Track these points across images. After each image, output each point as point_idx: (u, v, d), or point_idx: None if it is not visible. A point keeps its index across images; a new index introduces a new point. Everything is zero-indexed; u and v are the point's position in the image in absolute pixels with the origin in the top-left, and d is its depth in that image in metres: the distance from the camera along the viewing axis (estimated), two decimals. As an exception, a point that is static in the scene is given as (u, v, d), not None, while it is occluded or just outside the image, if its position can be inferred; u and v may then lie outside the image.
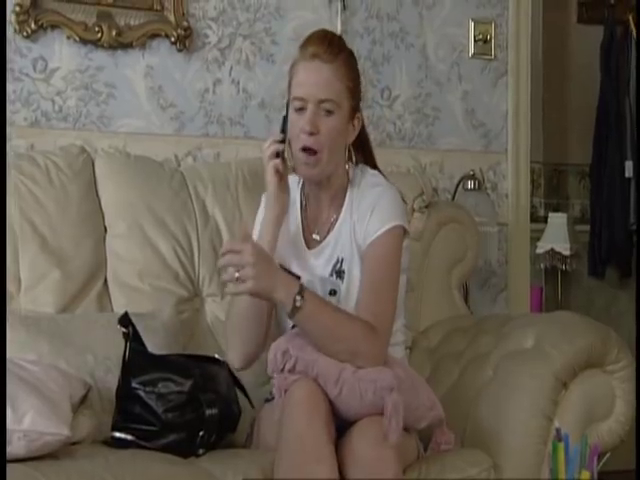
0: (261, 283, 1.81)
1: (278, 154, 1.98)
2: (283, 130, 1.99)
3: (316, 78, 1.95)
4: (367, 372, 1.82)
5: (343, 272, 2.02)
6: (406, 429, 1.87)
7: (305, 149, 1.95)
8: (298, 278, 1.92)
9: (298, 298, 1.83)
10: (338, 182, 2.05)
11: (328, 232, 2.05)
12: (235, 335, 2.03)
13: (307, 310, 1.84)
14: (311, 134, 1.94)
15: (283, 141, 1.98)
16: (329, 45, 1.98)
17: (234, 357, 2.04)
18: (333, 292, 2.03)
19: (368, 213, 2.00)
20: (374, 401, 1.79)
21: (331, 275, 2.03)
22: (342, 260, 2.03)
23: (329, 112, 1.96)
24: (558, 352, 2.07)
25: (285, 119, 1.99)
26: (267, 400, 2.09)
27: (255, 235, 2.08)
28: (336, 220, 2.05)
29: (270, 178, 1.99)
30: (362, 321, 1.89)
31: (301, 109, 1.96)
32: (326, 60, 1.96)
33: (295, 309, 1.83)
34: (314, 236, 2.06)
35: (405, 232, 2.02)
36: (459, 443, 2.05)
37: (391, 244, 1.98)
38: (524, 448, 2.02)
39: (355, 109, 2.02)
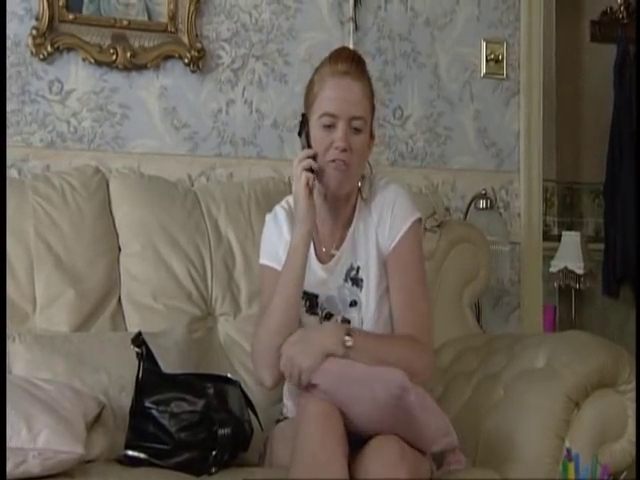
0: (308, 357, 1.85)
1: (310, 169, 1.98)
2: (309, 145, 1.99)
3: (348, 95, 1.97)
4: (375, 370, 1.82)
5: (361, 280, 2.04)
6: (420, 450, 1.86)
7: (336, 160, 1.97)
8: (316, 297, 1.95)
9: (347, 338, 1.88)
10: (353, 197, 2.07)
11: (341, 243, 2.07)
12: (268, 353, 1.96)
13: (358, 347, 1.88)
14: (344, 150, 1.96)
15: (315, 157, 1.98)
16: (357, 63, 2.01)
17: (266, 376, 1.99)
18: (354, 303, 2.04)
19: (389, 212, 2.03)
20: (387, 401, 1.76)
21: (345, 281, 2.04)
22: (358, 268, 2.04)
23: (357, 130, 1.98)
24: (570, 372, 2.07)
25: (307, 134, 2.00)
26: (278, 421, 2.10)
27: (266, 256, 2.08)
28: (348, 230, 2.06)
29: (302, 191, 1.97)
30: (407, 339, 1.93)
31: (330, 126, 1.97)
32: (356, 78, 1.99)
33: (347, 350, 1.88)
34: (332, 251, 2.07)
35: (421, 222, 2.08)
36: (470, 464, 2.04)
37: (414, 243, 2.03)
38: (536, 468, 2.01)
39: (372, 126, 2.05)
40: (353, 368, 1.84)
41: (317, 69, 2.05)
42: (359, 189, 2.07)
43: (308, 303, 2.04)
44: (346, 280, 2.05)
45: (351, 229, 2.06)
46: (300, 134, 2.02)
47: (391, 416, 1.78)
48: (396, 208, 2.03)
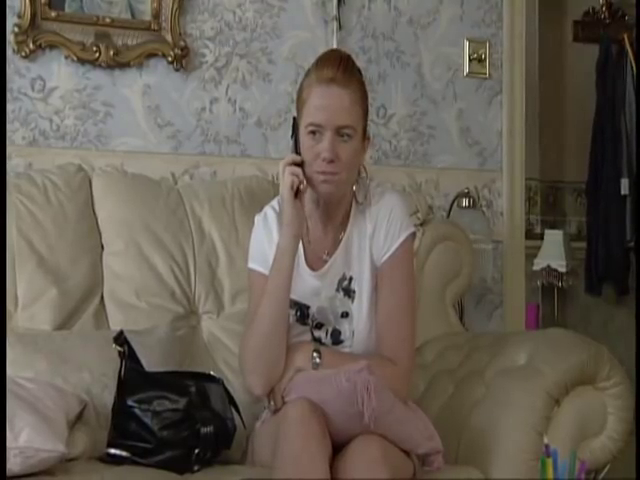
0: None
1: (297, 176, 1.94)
2: (297, 152, 1.95)
3: (334, 104, 1.92)
4: (341, 369, 1.83)
5: (353, 292, 2.02)
6: (405, 451, 1.87)
7: (324, 173, 1.94)
8: (307, 308, 1.97)
9: (315, 355, 1.93)
10: (347, 200, 2.05)
11: (333, 249, 2.05)
12: (256, 361, 1.95)
13: (326, 365, 1.92)
14: (330, 162, 1.92)
15: (302, 164, 1.94)
16: (345, 68, 1.95)
17: (257, 383, 1.96)
18: (345, 314, 2.03)
19: (384, 223, 2.01)
20: (349, 388, 1.76)
21: (337, 291, 2.03)
22: (351, 278, 2.03)
23: (346, 137, 1.94)
24: (550, 369, 2.08)
25: (296, 140, 1.96)
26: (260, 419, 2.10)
27: (255, 260, 2.06)
28: (340, 236, 2.05)
29: (287, 193, 1.93)
30: (380, 360, 1.92)
31: (317, 133, 1.93)
32: (343, 85, 1.93)
33: (315, 367, 1.92)
34: (324, 257, 2.04)
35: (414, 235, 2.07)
36: (452, 460, 2.05)
37: (406, 258, 2.02)
38: (517, 464, 2.02)
39: (365, 128, 2.01)
40: (321, 373, 1.87)
41: (306, 73, 2.01)
42: (354, 192, 2.04)
43: (299, 313, 2.02)
44: (338, 290, 2.03)
45: (345, 237, 2.04)
46: (292, 137, 1.99)
47: (362, 406, 1.76)
48: (391, 220, 2.01)
